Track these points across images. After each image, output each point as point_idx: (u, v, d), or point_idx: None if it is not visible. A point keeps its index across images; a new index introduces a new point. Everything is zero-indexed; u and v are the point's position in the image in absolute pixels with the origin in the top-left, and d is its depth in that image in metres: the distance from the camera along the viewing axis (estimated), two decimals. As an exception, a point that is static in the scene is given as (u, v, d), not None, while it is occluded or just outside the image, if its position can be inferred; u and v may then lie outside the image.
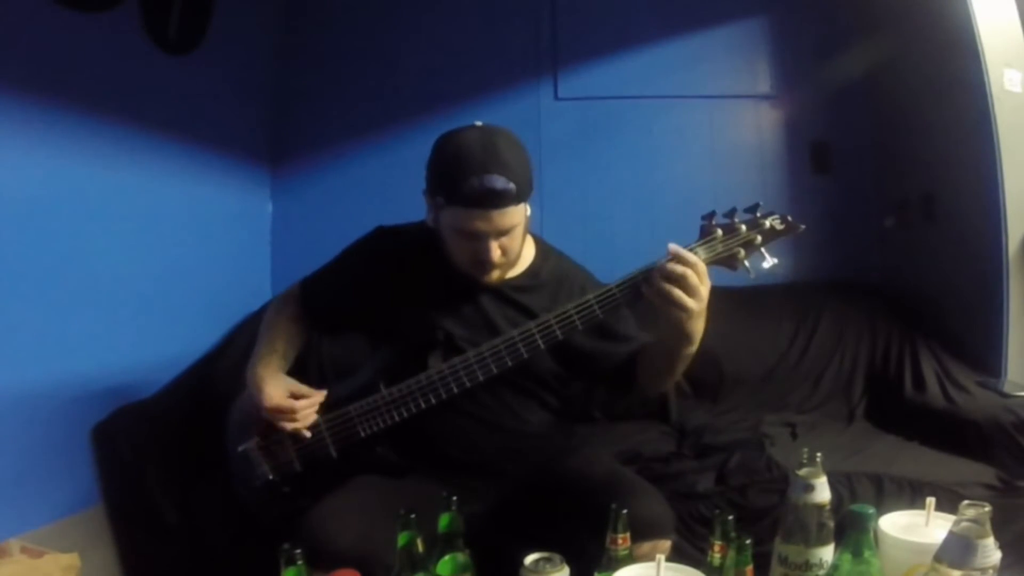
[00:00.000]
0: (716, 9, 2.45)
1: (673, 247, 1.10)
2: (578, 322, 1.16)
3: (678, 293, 1.08)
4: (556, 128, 2.42)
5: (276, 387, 1.25)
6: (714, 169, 2.44)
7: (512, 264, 1.27)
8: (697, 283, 1.08)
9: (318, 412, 1.28)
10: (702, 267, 1.09)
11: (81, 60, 1.60)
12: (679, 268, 1.08)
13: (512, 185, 1.12)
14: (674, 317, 1.10)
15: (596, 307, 1.16)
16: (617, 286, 1.15)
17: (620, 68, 2.46)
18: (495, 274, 1.25)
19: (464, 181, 1.11)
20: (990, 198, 1.91)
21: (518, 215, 1.18)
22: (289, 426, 1.25)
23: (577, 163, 2.44)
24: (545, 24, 2.48)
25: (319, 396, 1.27)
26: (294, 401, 1.25)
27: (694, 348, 1.17)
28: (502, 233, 1.17)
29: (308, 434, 1.27)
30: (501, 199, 1.12)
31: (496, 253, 1.18)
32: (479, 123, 1.19)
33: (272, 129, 2.47)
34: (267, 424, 1.27)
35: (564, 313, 1.16)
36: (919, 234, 2.27)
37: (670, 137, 2.46)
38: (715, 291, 1.12)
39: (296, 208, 2.49)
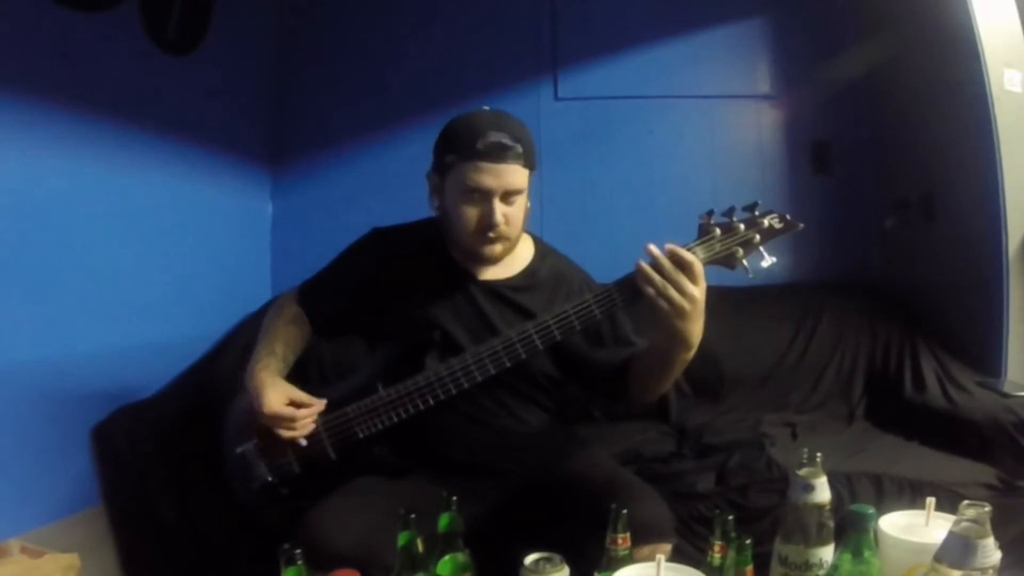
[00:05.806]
0: (716, 9, 2.44)
1: (670, 246, 1.10)
2: (576, 323, 1.16)
3: (672, 292, 1.08)
4: (556, 128, 2.42)
5: (275, 393, 1.23)
6: (714, 169, 2.44)
7: (514, 243, 1.28)
8: (691, 283, 1.08)
9: (318, 416, 1.27)
10: (698, 266, 1.09)
11: (81, 60, 1.60)
12: (673, 266, 1.08)
13: (518, 145, 1.19)
14: (668, 317, 1.10)
15: (594, 307, 1.15)
16: (615, 285, 1.15)
17: (620, 68, 2.46)
18: (497, 248, 1.25)
19: (475, 137, 1.18)
20: (990, 198, 1.91)
21: (522, 178, 1.22)
22: (287, 434, 1.24)
23: (577, 163, 2.44)
24: (545, 24, 2.47)
25: (319, 405, 1.25)
26: (294, 409, 1.23)
27: (691, 354, 1.16)
28: (508, 193, 1.21)
29: (305, 442, 1.25)
30: (508, 154, 1.19)
31: (500, 216, 1.21)
32: (486, 108, 1.25)
33: (272, 129, 2.47)
34: (266, 426, 1.27)
35: (562, 313, 1.16)
36: (919, 234, 2.27)
37: (670, 137, 2.46)
38: (714, 291, 1.12)
39: (296, 208, 2.49)
